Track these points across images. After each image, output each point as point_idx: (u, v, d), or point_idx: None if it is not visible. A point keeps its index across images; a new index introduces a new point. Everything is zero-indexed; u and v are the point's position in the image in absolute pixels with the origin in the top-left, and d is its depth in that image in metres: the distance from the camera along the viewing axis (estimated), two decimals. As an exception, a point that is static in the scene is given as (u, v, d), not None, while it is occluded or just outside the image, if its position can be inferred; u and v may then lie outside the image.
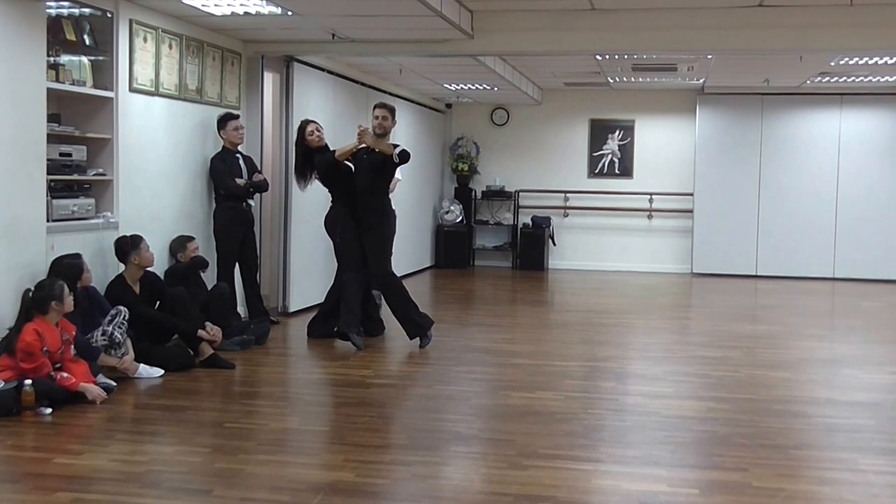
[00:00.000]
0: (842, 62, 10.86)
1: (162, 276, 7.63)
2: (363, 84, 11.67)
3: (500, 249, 15.69)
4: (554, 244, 15.40)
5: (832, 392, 6.81)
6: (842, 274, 14.22)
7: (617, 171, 15.38)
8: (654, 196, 15.12)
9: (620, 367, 7.73)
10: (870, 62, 10.84)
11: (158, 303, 7.35)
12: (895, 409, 6.41)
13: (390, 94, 12.73)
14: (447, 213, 15.14)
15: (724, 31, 8.42)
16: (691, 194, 14.74)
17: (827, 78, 12.47)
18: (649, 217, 15.24)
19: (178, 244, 7.93)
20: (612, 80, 13.57)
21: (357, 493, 4.44)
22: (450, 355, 7.98)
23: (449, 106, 15.81)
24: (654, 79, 13.33)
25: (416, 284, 12.64)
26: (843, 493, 4.57)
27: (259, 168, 8.98)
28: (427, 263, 14.81)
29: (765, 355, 8.15)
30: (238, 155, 8.65)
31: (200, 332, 7.23)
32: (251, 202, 8.79)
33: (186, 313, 7.29)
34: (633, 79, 13.32)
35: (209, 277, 8.35)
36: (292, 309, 9.72)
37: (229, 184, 8.45)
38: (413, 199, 13.38)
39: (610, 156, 15.39)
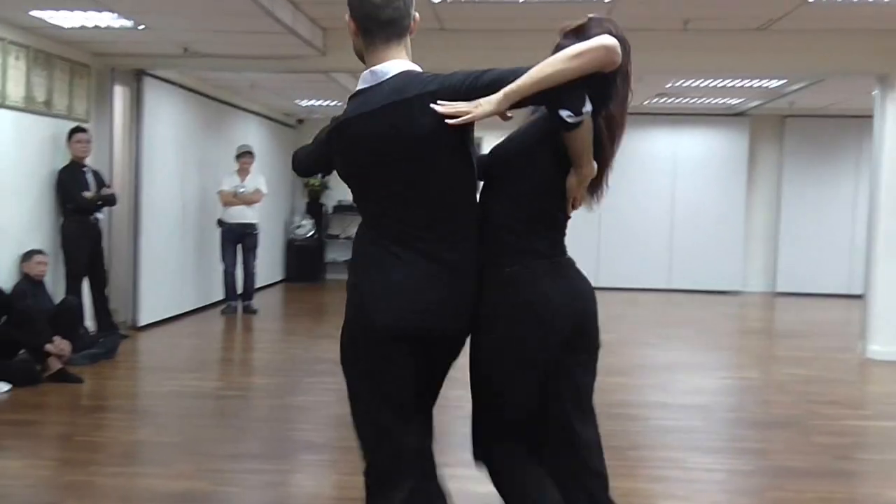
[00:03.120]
0: (677, 84, 11.47)
1: (9, 291, 7.49)
2: (215, 99, 11.66)
3: (352, 263, 15.80)
4: (405, 258, 15.59)
5: (665, 396, 7.20)
6: (676, 285, 14.84)
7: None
8: (502, 211, 15.46)
9: (468, 376, 7.96)
10: (702, 85, 11.48)
11: (5, 317, 7.22)
12: (723, 411, 6.84)
13: (242, 108, 12.75)
14: (298, 227, 15.18)
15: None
16: (537, 209, 15.12)
17: (664, 99, 13.07)
18: (498, 231, 15.56)
19: (26, 256, 7.81)
20: (461, 98, 13.85)
21: (210, 502, 4.52)
22: (301, 367, 8.07)
23: (300, 121, 15.86)
24: (501, 97, 13.66)
25: (268, 298, 12.68)
26: (673, 489, 4.87)
27: (108, 182, 8.89)
28: (278, 277, 14.82)
29: (602, 362, 8.47)
30: (85, 168, 8.55)
31: (48, 347, 7.12)
32: (99, 216, 8.69)
33: (33, 327, 7.17)
34: (483, 97, 13.62)
35: (57, 291, 8.23)
36: (142, 323, 9.61)
37: (76, 197, 8.36)
38: (265, 213, 13.38)
39: (460, 171, 15.67)
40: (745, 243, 14.93)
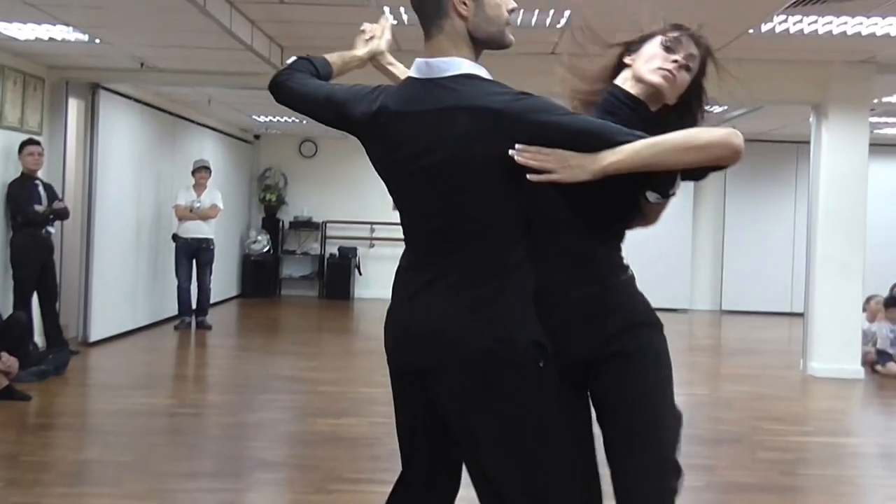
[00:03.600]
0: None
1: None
2: (171, 113, 11.62)
3: (307, 279, 15.81)
4: (360, 274, 15.64)
5: (616, 414, 7.28)
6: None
7: (421, 204, 15.73)
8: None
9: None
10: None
11: (-48, 333, 7.14)
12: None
13: (198, 123, 12.72)
14: (254, 242, 15.15)
15: (520, 77, 8.90)
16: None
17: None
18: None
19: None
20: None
21: (162, 521, 4.52)
22: (255, 383, 8.05)
23: (257, 137, 15.85)
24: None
25: (223, 314, 12.62)
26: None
27: (60, 195, 8.82)
28: (233, 293, 14.76)
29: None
30: (37, 181, 8.48)
31: (-5, 363, 7.05)
32: (51, 229, 8.61)
33: (-21, 343, 7.10)
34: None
35: (5, 306, 8.14)
36: (93, 339, 9.50)
37: (27, 210, 8.28)
38: (220, 228, 13.37)
39: (415, 188, 15.74)
40: (692, 263, 15.17)
